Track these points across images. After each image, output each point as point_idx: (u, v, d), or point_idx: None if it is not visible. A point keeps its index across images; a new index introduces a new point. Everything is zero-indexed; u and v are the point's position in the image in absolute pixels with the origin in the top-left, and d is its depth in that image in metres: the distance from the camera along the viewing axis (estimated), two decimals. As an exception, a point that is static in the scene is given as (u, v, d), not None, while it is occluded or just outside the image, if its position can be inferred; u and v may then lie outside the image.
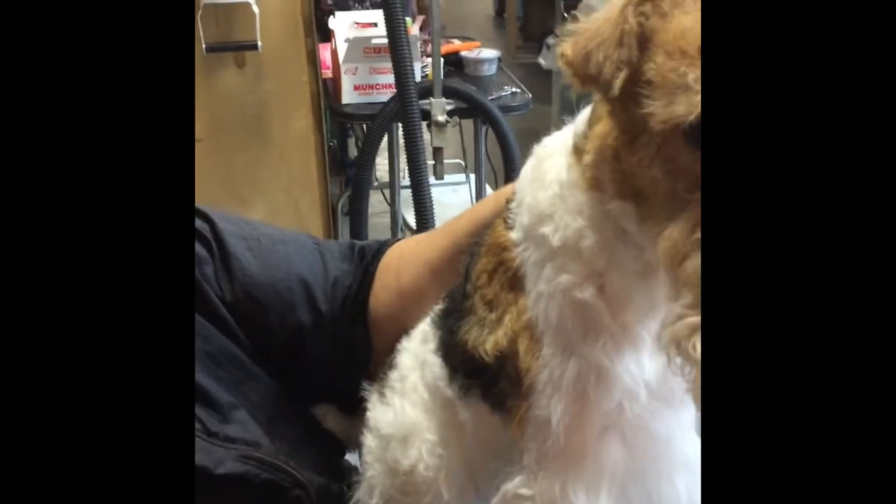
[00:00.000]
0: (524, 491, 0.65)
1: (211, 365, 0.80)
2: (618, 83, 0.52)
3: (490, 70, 2.49)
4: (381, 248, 0.94)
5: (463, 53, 2.52)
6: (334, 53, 2.30)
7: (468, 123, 2.52)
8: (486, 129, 2.37)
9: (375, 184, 3.18)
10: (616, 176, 0.58)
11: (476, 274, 0.70)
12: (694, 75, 0.48)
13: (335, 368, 0.90)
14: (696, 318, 0.48)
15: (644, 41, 0.52)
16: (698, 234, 0.49)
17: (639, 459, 0.65)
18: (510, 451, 0.68)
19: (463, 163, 2.99)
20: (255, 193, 2.16)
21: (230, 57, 2.04)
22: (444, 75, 2.23)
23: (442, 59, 2.20)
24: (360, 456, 0.86)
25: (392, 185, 2.52)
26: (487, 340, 0.67)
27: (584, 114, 0.65)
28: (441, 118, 2.13)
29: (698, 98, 0.48)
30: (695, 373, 0.49)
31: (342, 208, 2.93)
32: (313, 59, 2.13)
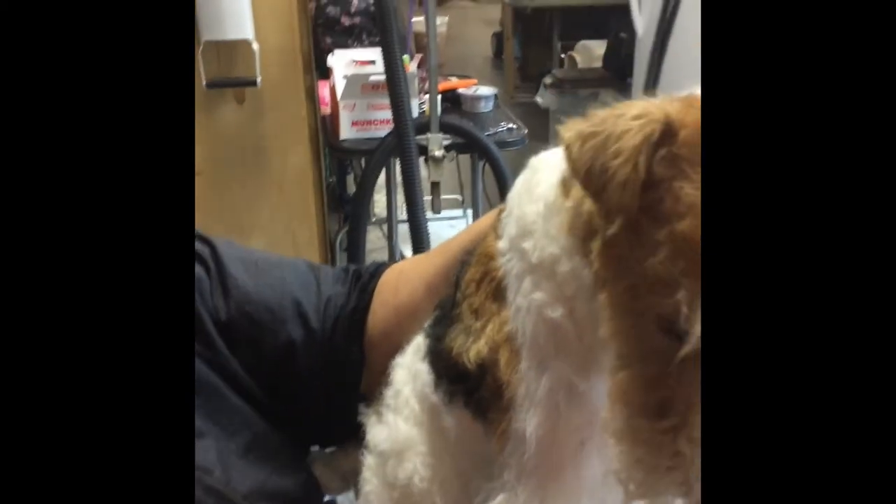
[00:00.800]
0: None
1: None
2: (614, 229, 0.53)
3: (487, 107, 2.53)
4: (379, 268, 0.95)
5: (460, 90, 2.56)
6: (333, 90, 2.33)
7: (465, 160, 2.55)
8: (483, 165, 2.40)
9: (374, 219, 3.21)
10: (584, 233, 0.59)
11: (465, 282, 0.71)
12: (682, 293, 0.49)
13: (325, 388, 0.90)
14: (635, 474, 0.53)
15: (649, 188, 0.51)
16: (646, 396, 0.53)
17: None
18: (492, 465, 0.68)
19: (461, 198, 3.01)
20: (254, 227, 2.18)
21: (230, 93, 2.07)
22: (442, 112, 2.27)
23: (439, 96, 2.23)
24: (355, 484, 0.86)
25: (390, 219, 2.54)
26: (471, 348, 0.67)
27: None
28: (438, 153, 2.16)
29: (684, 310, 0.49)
30: None
31: (340, 244, 2.95)
32: (312, 95, 2.17)
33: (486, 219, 0.84)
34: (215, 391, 0.84)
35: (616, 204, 0.52)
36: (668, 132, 0.51)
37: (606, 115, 0.55)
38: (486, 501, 0.67)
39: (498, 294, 0.68)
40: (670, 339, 0.51)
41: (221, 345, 0.85)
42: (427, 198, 2.18)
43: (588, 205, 0.58)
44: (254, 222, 2.18)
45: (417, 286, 0.89)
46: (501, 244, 0.68)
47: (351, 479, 0.90)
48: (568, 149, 0.55)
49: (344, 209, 3.36)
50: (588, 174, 0.53)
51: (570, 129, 0.56)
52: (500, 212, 0.72)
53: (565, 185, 0.63)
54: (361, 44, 2.76)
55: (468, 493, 0.73)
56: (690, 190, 0.50)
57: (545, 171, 0.67)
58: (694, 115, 0.51)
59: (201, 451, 0.78)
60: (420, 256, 0.98)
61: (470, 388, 0.69)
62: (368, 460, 0.81)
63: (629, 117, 0.53)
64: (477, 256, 0.72)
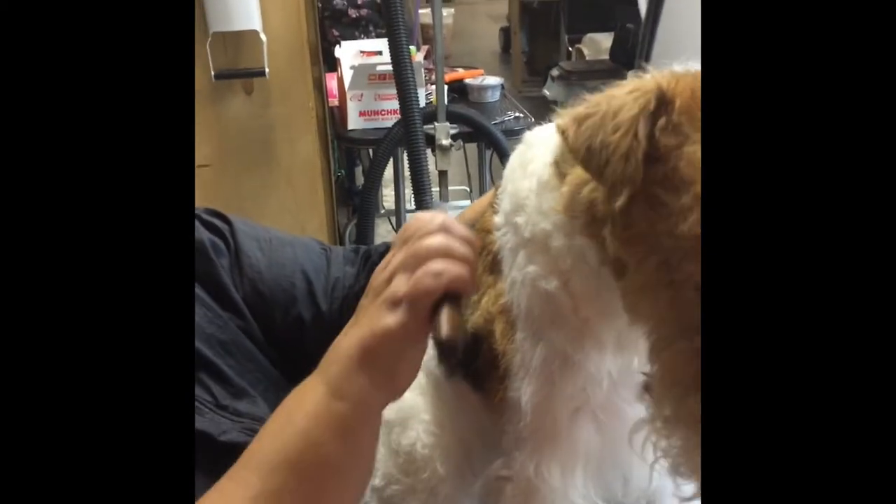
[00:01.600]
0: (504, 472, 0.67)
1: (222, 352, 0.84)
2: (622, 201, 0.52)
3: (494, 96, 2.53)
4: (388, 249, 0.97)
5: (467, 81, 2.57)
6: (340, 81, 2.35)
7: (473, 151, 2.56)
8: (491, 155, 2.41)
9: (382, 211, 3.22)
10: (587, 219, 0.59)
11: None
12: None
13: None
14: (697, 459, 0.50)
15: (657, 161, 0.52)
16: (697, 367, 0.49)
17: (612, 441, 0.66)
18: (492, 433, 0.69)
19: (468, 188, 3.02)
20: (262, 217, 2.19)
21: (238, 84, 2.09)
22: (449, 102, 2.28)
23: (446, 87, 2.24)
24: None
25: (398, 210, 2.56)
26: (468, 320, 0.68)
27: None
28: (445, 142, 2.17)
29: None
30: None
31: (350, 236, 2.96)
32: (319, 86, 2.18)
33: (487, 196, 0.85)
34: (251, 355, 0.87)
35: (620, 176, 0.52)
36: (663, 101, 0.52)
37: (599, 97, 0.56)
38: (485, 467, 0.68)
39: (494, 267, 0.69)
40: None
41: (248, 314, 0.88)
42: (435, 189, 2.20)
43: (587, 189, 0.58)
44: (262, 212, 2.20)
45: None
46: (497, 219, 0.69)
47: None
48: (564, 133, 0.56)
49: (353, 202, 3.37)
50: (588, 153, 0.54)
51: (565, 115, 0.57)
52: (498, 187, 0.73)
53: (558, 168, 0.64)
54: (368, 35, 2.77)
55: (469, 461, 0.75)
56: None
57: (538, 147, 0.68)
58: (685, 83, 0.52)
59: (251, 404, 0.82)
60: None
61: (468, 360, 0.70)
62: None
63: (622, 94, 0.54)
64: (476, 231, 0.73)
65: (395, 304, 0.62)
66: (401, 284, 0.63)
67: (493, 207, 0.71)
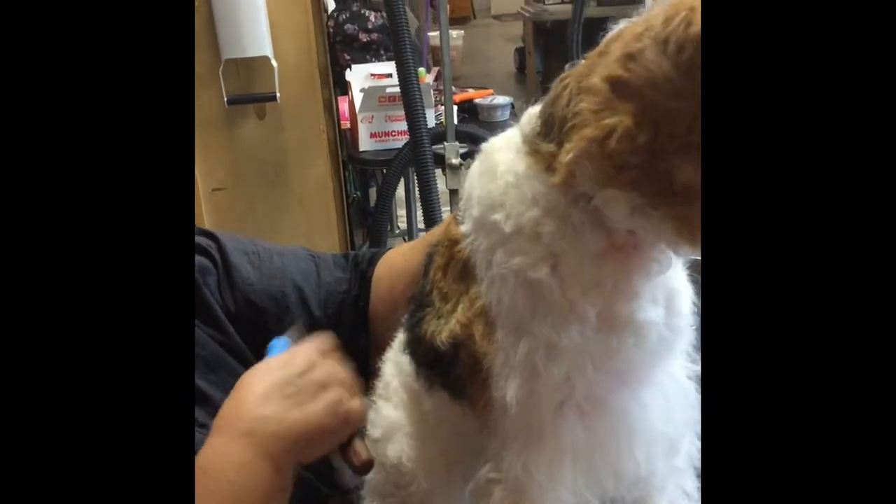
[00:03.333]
0: (493, 475, 0.67)
1: (204, 369, 0.85)
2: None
3: (503, 116, 2.55)
4: (375, 256, 0.99)
5: (476, 100, 2.59)
6: (351, 104, 2.38)
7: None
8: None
9: (397, 231, 3.24)
10: (611, 171, 0.59)
11: (433, 271, 0.74)
12: None
13: None
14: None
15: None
16: None
17: (599, 434, 0.66)
18: (479, 439, 0.70)
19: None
20: (276, 238, 2.21)
21: (251, 109, 2.14)
22: (459, 122, 2.30)
23: (456, 107, 2.27)
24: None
25: (410, 230, 2.58)
26: (443, 330, 0.69)
27: (531, 114, 0.68)
28: (455, 161, 2.19)
29: None
30: None
31: (365, 257, 2.98)
32: (330, 109, 2.22)
33: (448, 218, 0.87)
34: (232, 370, 0.88)
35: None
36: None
37: (622, 33, 0.59)
38: (475, 470, 0.69)
39: (465, 274, 0.70)
40: None
41: (232, 330, 0.89)
42: (446, 208, 2.22)
43: (612, 142, 0.59)
44: (276, 234, 2.23)
45: (412, 282, 0.92)
46: (464, 227, 0.70)
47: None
48: (619, 79, 0.57)
49: (368, 222, 3.40)
50: (667, 79, 0.54)
51: (598, 66, 0.59)
52: (458, 199, 0.74)
53: (534, 149, 0.65)
54: (379, 59, 2.81)
55: (453, 471, 0.76)
56: None
57: (499, 153, 0.69)
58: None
59: None
60: (405, 248, 1.01)
61: (446, 369, 0.71)
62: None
63: (658, 19, 0.55)
64: (441, 246, 0.74)
65: (325, 391, 0.74)
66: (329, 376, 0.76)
67: (455, 220, 0.72)
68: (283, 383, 0.73)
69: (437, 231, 0.88)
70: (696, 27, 0.52)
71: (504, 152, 0.68)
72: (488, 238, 0.67)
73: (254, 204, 2.21)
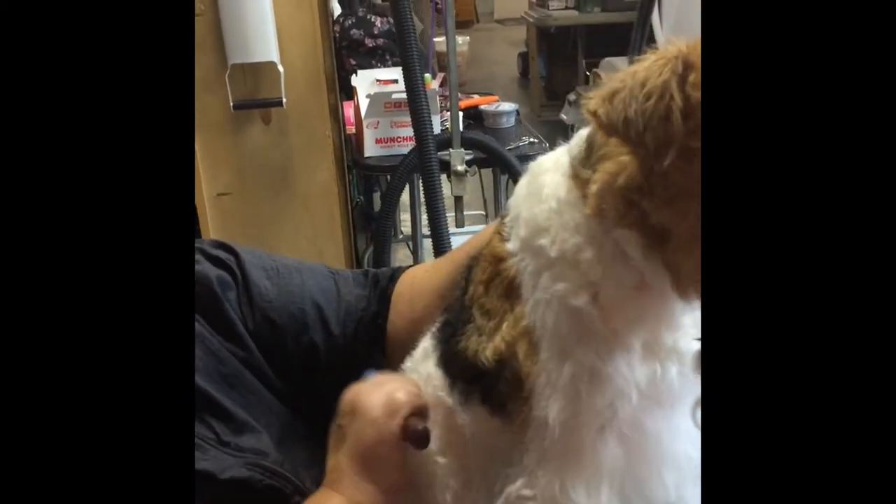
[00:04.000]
0: (526, 492, 0.67)
1: (225, 386, 0.85)
2: (667, 161, 0.55)
3: (509, 122, 2.56)
4: (395, 273, 0.98)
5: (482, 107, 2.59)
6: (357, 110, 2.39)
7: (488, 178, 2.58)
8: (507, 180, 2.43)
9: (401, 237, 3.24)
10: (622, 209, 0.61)
11: (474, 285, 0.74)
12: None
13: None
14: None
15: (690, 115, 0.54)
16: None
17: (634, 457, 0.66)
18: (510, 454, 0.70)
19: (484, 213, 3.04)
20: (281, 243, 2.23)
21: (257, 114, 2.14)
22: (465, 128, 2.31)
23: (461, 113, 2.27)
24: None
25: (414, 235, 2.58)
26: (487, 347, 0.69)
27: (580, 137, 0.68)
28: (460, 168, 2.19)
29: None
30: None
31: (369, 261, 2.98)
32: (336, 114, 2.22)
33: (490, 227, 0.86)
34: (251, 387, 0.88)
35: (663, 137, 0.54)
36: (687, 63, 0.54)
37: (621, 75, 0.58)
38: (505, 485, 0.69)
39: (511, 293, 0.70)
40: None
41: (253, 346, 0.89)
42: (451, 214, 2.22)
43: (622, 177, 0.60)
44: (280, 239, 2.23)
45: (433, 298, 0.92)
46: (510, 246, 0.71)
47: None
48: (596, 114, 0.58)
49: (372, 227, 3.40)
50: (626, 124, 0.56)
51: (591, 98, 0.59)
52: (503, 218, 0.74)
53: (577, 178, 0.65)
54: (385, 64, 2.81)
55: (470, 488, 0.76)
56: None
57: (547, 174, 0.70)
58: (699, 45, 0.54)
59: (253, 439, 0.84)
60: (428, 265, 1.01)
61: (488, 385, 0.71)
62: None
63: (644, 67, 0.56)
64: (484, 259, 0.74)
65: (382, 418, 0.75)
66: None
67: (501, 235, 0.72)
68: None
69: (469, 246, 0.87)
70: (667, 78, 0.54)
71: (551, 174, 0.69)
72: (535, 260, 0.67)
73: (259, 208, 2.21)
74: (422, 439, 0.75)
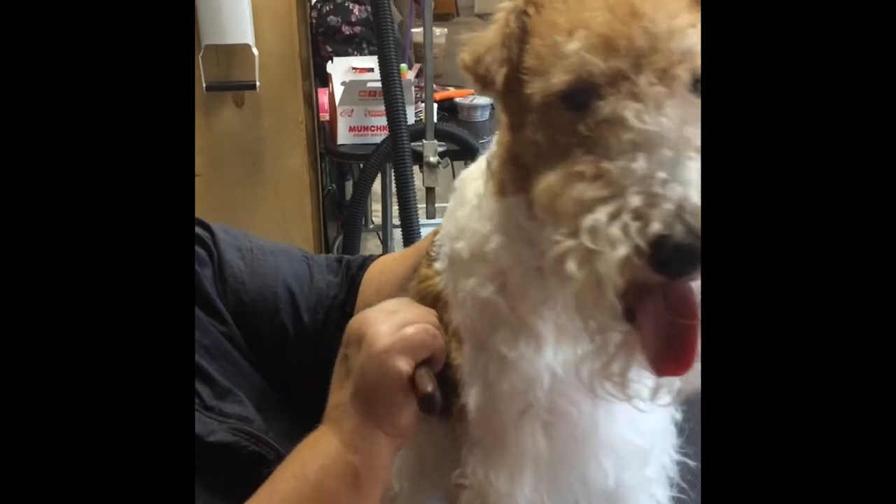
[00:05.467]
0: (461, 480, 0.69)
1: (207, 356, 0.86)
2: (500, 78, 0.59)
3: (483, 116, 2.56)
4: (366, 262, 0.99)
5: (457, 100, 2.59)
6: (331, 97, 2.37)
7: (462, 168, 2.58)
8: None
9: (371, 226, 3.24)
10: (512, 173, 0.63)
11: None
12: (566, 47, 0.54)
13: (317, 373, 0.94)
14: (570, 243, 0.52)
15: (523, 40, 0.58)
16: (573, 170, 0.53)
17: (564, 444, 0.68)
18: (454, 445, 0.71)
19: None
20: (250, 227, 2.18)
21: (229, 96, 2.12)
22: (439, 120, 2.30)
23: (436, 105, 2.27)
24: None
25: (385, 225, 2.58)
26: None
27: (496, 138, 0.70)
28: (433, 159, 2.19)
29: (568, 64, 0.53)
30: (575, 287, 0.52)
31: (338, 249, 2.98)
32: (310, 100, 2.21)
33: (427, 238, 0.89)
34: (233, 359, 0.89)
35: (500, 59, 0.59)
36: (531, 2, 0.59)
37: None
38: (443, 479, 0.70)
39: (443, 306, 0.73)
40: (571, 109, 0.55)
41: (231, 321, 0.90)
42: (422, 206, 2.22)
43: (503, 143, 0.64)
44: (250, 223, 2.21)
45: (397, 287, 0.93)
46: (437, 265, 0.75)
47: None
48: (463, 61, 0.62)
49: (343, 215, 3.39)
50: (478, 60, 0.61)
51: (463, 52, 0.63)
52: (435, 234, 0.77)
53: (488, 166, 0.68)
54: (361, 53, 2.80)
55: (426, 475, 0.77)
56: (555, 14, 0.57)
57: (471, 183, 0.73)
58: None
59: (238, 405, 0.84)
60: (398, 254, 1.02)
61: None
62: None
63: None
64: (416, 283, 0.78)
65: (389, 354, 0.68)
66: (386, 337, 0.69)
67: (429, 257, 0.75)
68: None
69: (427, 240, 0.89)
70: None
71: (474, 182, 0.71)
72: (453, 268, 0.71)
73: (229, 192, 2.20)
74: (430, 403, 0.67)
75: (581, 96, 0.54)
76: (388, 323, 0.69)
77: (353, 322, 0.73)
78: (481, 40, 0.61)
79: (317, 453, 0.70)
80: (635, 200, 0.48)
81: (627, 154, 0.50)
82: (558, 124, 0.56)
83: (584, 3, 0.55)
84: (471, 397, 0.66)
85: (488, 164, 0.68)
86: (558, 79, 0.54)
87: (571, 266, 0.51)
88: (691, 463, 0.75)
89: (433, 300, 0.73)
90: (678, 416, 0.74)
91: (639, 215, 0.48)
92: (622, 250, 0.48)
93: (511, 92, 0.60)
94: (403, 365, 0.67)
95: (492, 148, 0.70)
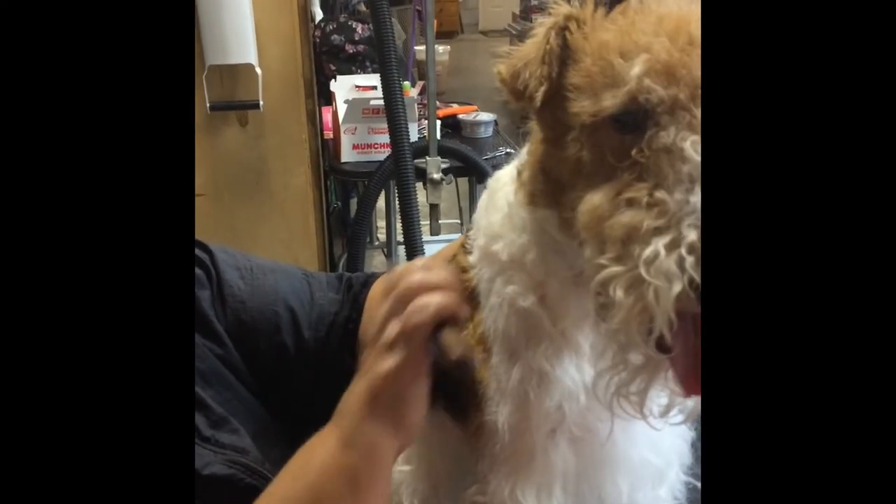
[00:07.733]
0: (478, 498, 0.68)
1: (202, 382, 0.84)
2: (539, 96, 0.58)
3: (486, 132, 2.57)
4: (369, 279, 0.98)
5: (460, 116, 2.60)
6: (335, 115, 2.38)
7: (465, 187, 2.59)
8: (483, 189, 2.43)
9: (377, 243, 3.24)
10: (543, 185, 0.63)
11: None
12: (625, 69, 0.53)
13: (319, 393, 0.93)
14: (617, 268, 0.51)
15: (565, 58, 0.58)
16: (625, 196, 0.52)
17: (586, 460, 0.67)
18: (470, 460, 0.70)
19: (460, 222, 3.05)
20: (255, 246, 2.22)
21: (233, 115, 2.13)
22: (442, 137, 2.31)
23: (439, 121, 2.27)
24: None
25: (389, 242, 2.58)
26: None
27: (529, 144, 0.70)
28: (436, 176, 2.20)
29: (626, 87, 0.53)
30: (620, 314, 0.51)
31: (343, 267, 2.98)
32: (313, 119, 2.22)
33: (460, 239, 0.88)
34: (229, 384, 0.88)
35: (539, 76, 0.59)
36: (569, 17, 0.59)
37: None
38: (462, 490, 0.69)
39: (471, 301, 0.71)
40: (622, 132, 0.55)
41: (230, 344, 0.89)
42: (426, 222, 2.22)
43: (535, 155, 0.64)
44: (255, 242, 2.22)
45: None
46: (471, 258, 0.72)
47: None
48: (499, 74, 0.63)
49: (348, 233, 3.39)
50: (516, 75, 0.61)
51: (499, 65, 0.64)
52: (468, 231, 0.76)
53: (519, 175, 0.67)
54: (365, 71, 2.81)
55: (438, 492, 0.76)
56: (607, 35, 0.57)
57: (504, 187, 0.72)
58: (590, 6, 0.60)
59: (234, 434, 0.82)
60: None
61: (451, 392, 0.72)
62: None
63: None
64: (455, 263, 0.75)
65: (390, 347, 0.65)
66: (392, 328, 0.66)
67: (464, 248, 0.74)
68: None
69: (441, 255, 0.88)
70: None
71: (507, 185, 0.71)
72: (490, 267, 0.69)
73: (234, 211, 2.20)
74: (462, 368, 0.64)
75: (634, 120, 0.53)
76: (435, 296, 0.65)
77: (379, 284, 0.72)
78: (519, 54, 0.61)
79: (316, 453, 0.69)
80: (692, 235, 0.48)
81: (685, 186, 0.50)
82: (607, 145, 0.55)
83: (636, 25, 0.55)
84: (501, 415, 0.65)
85: (519, 172, 0.68)
86: (612, 101, 0.54)
87: (619, 293, 0.50)
88: (699, 484, 0.74)
89: (469, 295, 0.71)
90: (692, 433, 0.74)
91: (692, 249, 0.48)
92: (678, 286, 0.48)
93: (549, 107, 0.60)
94: (402, 354, 0.64)
95: (522, 156, 0.70)
